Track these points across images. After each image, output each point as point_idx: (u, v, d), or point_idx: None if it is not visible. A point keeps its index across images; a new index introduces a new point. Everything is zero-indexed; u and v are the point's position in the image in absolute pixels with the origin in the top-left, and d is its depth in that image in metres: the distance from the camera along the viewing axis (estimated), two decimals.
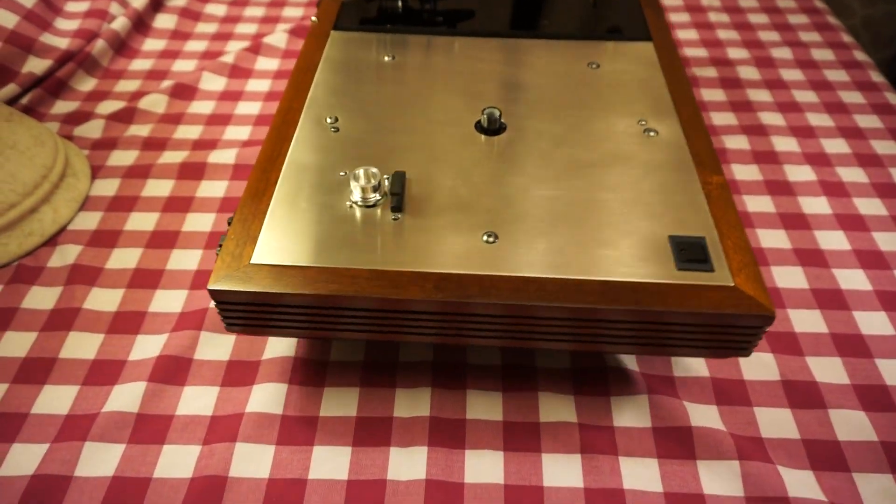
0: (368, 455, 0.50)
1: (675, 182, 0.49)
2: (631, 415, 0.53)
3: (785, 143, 0.78)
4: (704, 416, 0.52)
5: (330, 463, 0.50)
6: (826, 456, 0.51)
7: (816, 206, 0.70)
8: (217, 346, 0.57)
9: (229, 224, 0.46)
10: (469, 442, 0.51)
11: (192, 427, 0.52)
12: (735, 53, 0.94)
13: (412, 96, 0.56)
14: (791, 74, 0.90)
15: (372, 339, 0.46)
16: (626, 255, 0.44)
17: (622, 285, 0.42)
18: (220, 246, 0.46)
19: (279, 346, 0.57)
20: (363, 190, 0.46)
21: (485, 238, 0.45)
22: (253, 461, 0.50)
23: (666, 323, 0.43)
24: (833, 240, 0.67)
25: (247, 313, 0.44)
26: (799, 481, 0.49)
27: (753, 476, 0.49)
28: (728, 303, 0.41)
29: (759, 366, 0.56)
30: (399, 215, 0.46)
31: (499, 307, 0.42)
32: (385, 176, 0.48)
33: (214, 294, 0.43)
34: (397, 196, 0.46)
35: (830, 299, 0.62)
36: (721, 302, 0.41)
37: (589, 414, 0.53)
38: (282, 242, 0.44)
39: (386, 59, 0.60)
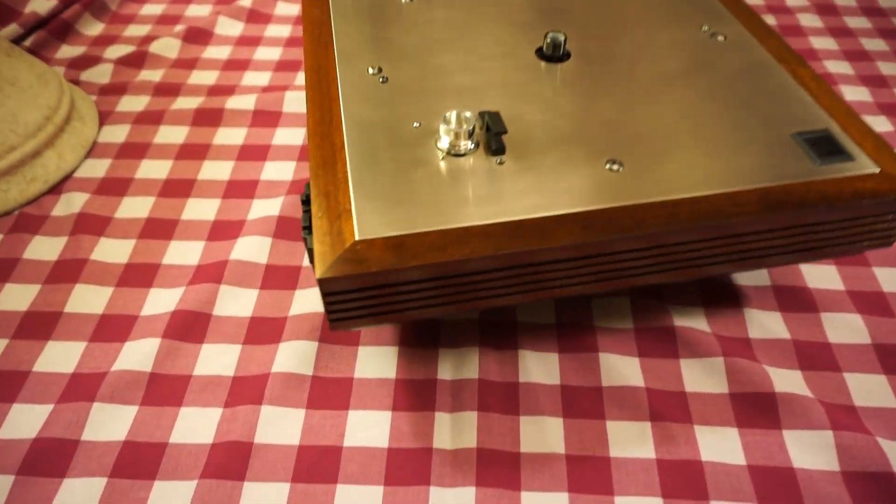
0: (410, 421, 0.45)
1: (767, 81, 0.46)
2: (705, 379, 0.47)
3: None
4: (788, 381, 0.46)
5: (368, 429, 0.44)
6: None
7: None
8: (239, 300, 0.52)
9: (305, 202, 0.40)
10: (524, 407, 0.45)
11: (211, 388, 0.46)
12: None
13: (452, 34, 0.50)
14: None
15: (509, 303, 0.40)
16: (760, 160, 0.40)
17: (777, 190, 0.39)
18: (306, 228, 0.40)
19: (307, 302, 0.51)
20: (455, 136, 0.40)
21: (608, 167, 0.40)
22: (281, 426, 0.44)
23: (820, 223, 0.40)
24: None
25: (362, 301, 0.37)
26: None
27: (850, 448, 0.43)
28: (884, 187, 0.39)
29: (845, 328, 0.50)
30: (503, 158, 0.41)
31: (651, 237, 0.37)
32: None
33: (327, 284, 0.36)
34: (498, 136, 0.40)
35: None
36: (877, 189, 0.39)
37: (657, 378, 0.47)
38: (382, 210, 0.38)
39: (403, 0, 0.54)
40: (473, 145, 0.41)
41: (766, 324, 0.50)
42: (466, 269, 0.37)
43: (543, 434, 0.44)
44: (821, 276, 0.53)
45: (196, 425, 0.44)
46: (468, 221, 0.37)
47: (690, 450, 0.43)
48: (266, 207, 0.58)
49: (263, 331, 0.50)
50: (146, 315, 0.51)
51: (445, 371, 0.47)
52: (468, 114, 0.41)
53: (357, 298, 0.37)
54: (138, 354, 0.48)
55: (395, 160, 0.41)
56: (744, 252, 0.41)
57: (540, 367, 0.47)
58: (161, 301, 0.52)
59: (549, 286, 0.39)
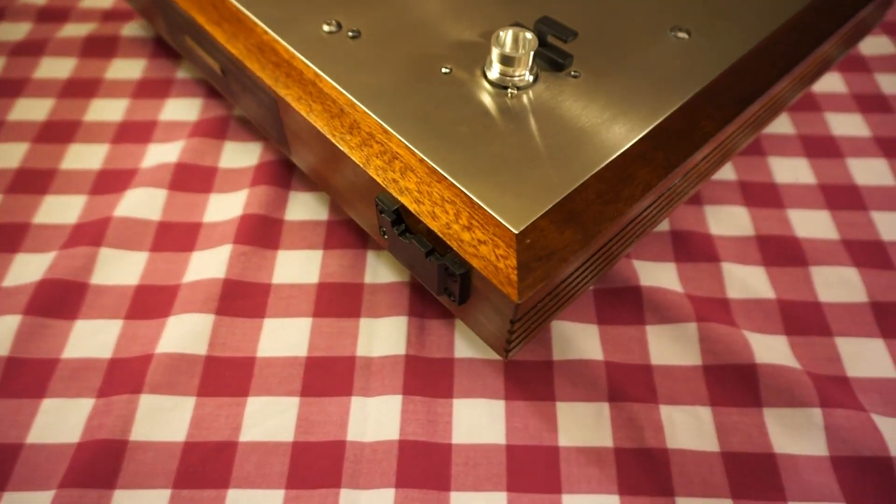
0: (322, 409, 0.37)
1: None
2: (675, 350, 0.39)
3: None
4: (772, 349, 0.39)
5: (270, 419, 0.37)
6: None
7: None
8: (123, 266, 0.43)
9: (381, 208, 0.31)
10: (457, 390, 0.38)
11: (83, 374, 0.38)
12: None
13: None
14: None
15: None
16: None
17: None
18: (385, 231, 0.32)
19: (205, 265, 0.43)
20: (515, 63, 0.34)
21: (677, 35, 0.38)
22: (164, 419, 0.37)
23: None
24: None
25: (541, 308, 0.31)
26: None
27: (840, 429, 0.36)
28: None
29: (838, 284, 0.43)
30: (577, 71, 0.36)
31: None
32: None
33: (525, 305, 0.28)
34: (559, 49, 0.36)
35: None
36: None
37: (618, 349, 0.40)
38: (503, 187, 0.30)
39: None
40: (532, 78, 0.35)
41: (747, 281, 0.43)
42: (640, 210, 0.32)
43: (480, 421, 0.37)
44: (811, 222, 0.46)
45: (60, 421, 0.37)
46: (608, 152, 0.32)
47: (655, 435, 0.36)
48: (163, 153, 0.49)
49: (151, 303, 0.42)
50: (7, 287, 0.42)
51: (364, 346, 0.39)
52: (528, 35, 0.33)
53: (538, 308, 0.30)
54: None
55: (461, 121, 0.33)
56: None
57: (480, 341, 0.40)
58: (27, 269, 0.43)
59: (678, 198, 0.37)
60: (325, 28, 0.37)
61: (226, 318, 0.40)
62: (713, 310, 0.41)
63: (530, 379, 0.38)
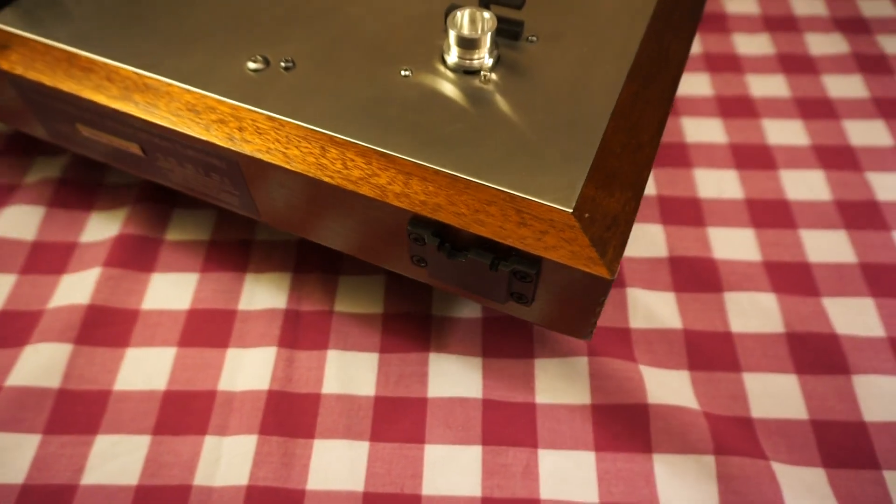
0: (173, 448, 0.35)
1: None
2: (562, 387, 0.36)
3: None
4: (669, 387, 0.36)
5: (115, 459, 0.34)
6: (847, 448, 0.34)
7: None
8: None
9: (415, 236, 0.28)
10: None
11: None
12: None
13: None
14: None
15: None
16: None
17: None
18: (424, 259, 0.30)
19: (74, 289, 0.40)
20: (476, 45, 0.31)
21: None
22: (2, 459, 0.34)
23: None
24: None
25: None
26: (804, 486, 0.32)
27: (735, 479, 0.33)
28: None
29: (753, 312, 0.39)
30: (533, 36, 0.34)
31: None
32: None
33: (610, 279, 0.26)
34: (507, 17, 0.33)
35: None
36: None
37: (500, 385, 0.36)
38: (527, 170, 0.28)
39: None
40: (493, 60, 0.32)
41: (653, 309, 0.39)
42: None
43: (339, 466, 0.34)
44: (732, 242, 0.42)
45: None
46: (606, 104, 0.31)
47: (528, 485, 0.33)
48: (46, 168, 0.47)
49: (12, 329, 0.39)
50: None
51: (227, 380, 0.37)
52: (486, 13, 0.31)
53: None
54: None
55: (450, 121, 0.30)
56: None
57: (350, 376, 0.37)
58: None
59: None
60: (252, 65, 0.32)
61: (85, 347, 0.38)
62: (609, 341, 0.37)
63: (400, 418, 0.35)
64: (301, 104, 0.31)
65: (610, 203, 0.27)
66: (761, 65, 0.53)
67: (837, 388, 0.36)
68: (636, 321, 0.39)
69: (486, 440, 0.34)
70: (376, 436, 0.35)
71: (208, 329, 0.39)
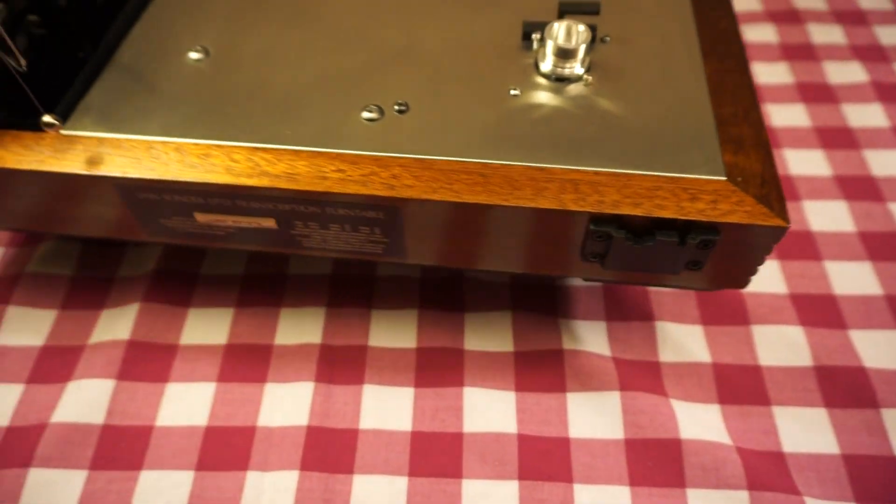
0: (218, 484, 0.35)
1: None
2: (595, 421, 0.37)
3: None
4: (701, 421, 0.36)
5: (163, 493, 0.35)
6: (879, 483, 0.35)
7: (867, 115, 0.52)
8: (28, 325, 0.42)
9: (599, 234, 0.30)
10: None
11: None
12: None
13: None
14: None
15: None
16: None
17: None
18: (603, 254, 0.31)
19: (115, 324, 0.41)
20: (572, 56, 0.33)
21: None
22: (50, 496, 0.35)
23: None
24: None
25: None
26: None
27: None
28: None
29: (781, 345, 0.40)
30: (605, 36, 0.36)
31: None
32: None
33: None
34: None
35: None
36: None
37: (534, 420, 0.37)
38: (671, 153, 0.31)
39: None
40: (584, 69, 0.34)
41: (682, 342, 0.40)
42: None
43: (380, 501, 0.34)
44: (758, 274, 0.43)
45: None
46: (698, 80, 0.34)
47: None
48: None
49: (55, 364, 0.40)
50: None
51: (266, 415, 0.38)
52: (580, 26, 0.33)
53: None
54: None
55: (581, 126, 0.32)
56: None
57: (387, 407, 0.38)
58: None
59: None
60: (367, 115, 0.32)
61: (127, 382, 0.39)
62: (640, 375, 0.38)
63: (437, 453, 0.36)
64: (436, 140, 0.31)
65: (751, 164, 0.30)
66: (780, 94, 0.54)
67: (867, 421, 0.37)
68: (665, 355, 0.39)
69: (522, 475, 0.35)
70: (414, 470, 0.35)
71: (246, 364, 0.40)
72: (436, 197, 0.30)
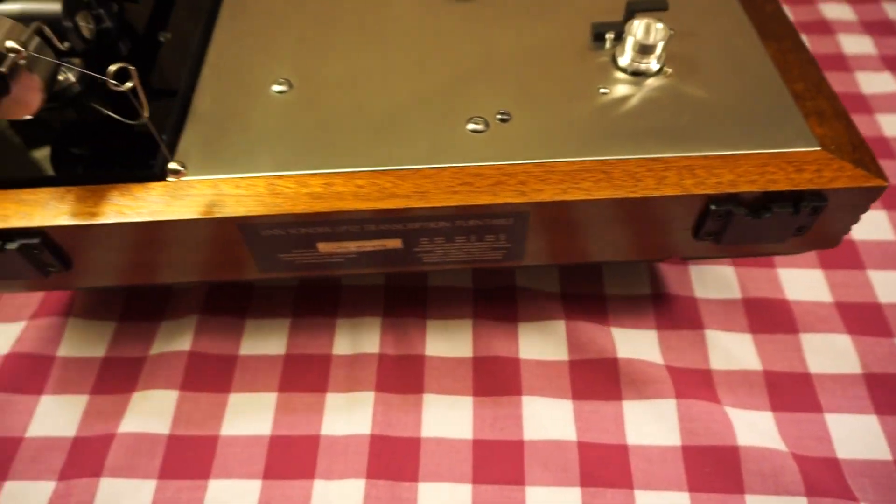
0: (284, 489, 0.36)
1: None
2: (652, 428, 0.38)
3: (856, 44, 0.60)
4: (755, 428, 0.37)
5: (232, 502, 0.36)
6: None
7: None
8: (89, 336, 0.43)
9: (720, 213, 0.32)
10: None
11: (46, 454, 0.38)
12: None
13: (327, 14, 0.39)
14: None
15: None
16: None
17: None
18: (720, 230, 0.33)
19: (174, 335, 0.42)
20: (650, 52, 0.34)
21: None
22: None
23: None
24: None
25: None
26: None
27: None
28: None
29: (830, 352, 0.41)
30: (671, 29, 0.37)
31: None
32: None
33: None
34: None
35: None
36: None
37: (591, 427, 0.38)
38: (762, 130, 0.33)
39: None
40: (660, 63, 0.35)
41: (731, 350, 0.41)
42: None
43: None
44: (802, 283, 0.44)
45: None
46: (763, 60, 0.36)
47: None
48: None
49: (118, 375, 0.41)
50: None
51: (329, 424, 0.38)
52: (658, 24, 0.34)
53: None
54: None
55: (675, 114, 0.34)
56: None
57: (448, 416, 0.38)
58: None
59: None
60: (473, 126, 0.33)
61: (190, 393, 0.40)
62: (693, 383, 0.39)
63: (499, 460, 0.37)
64: (547, 144, 0.33)
65: (837, 133, 0.32)
66: None
67: None
68: (716, 362, 0.40)
69: (584, 481, 0.36)
70: (478, 478, 0.36)
71: (306, 375, 0.40)
72: (567, 197, 0.31)
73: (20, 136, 0.33)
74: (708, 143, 0.32)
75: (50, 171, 0.31)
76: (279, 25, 0.38)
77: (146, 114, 0.29)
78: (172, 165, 0.29)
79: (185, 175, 0.30)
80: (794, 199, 0.31)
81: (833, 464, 0.36)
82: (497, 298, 0.43)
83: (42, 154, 0.32)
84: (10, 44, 0.26)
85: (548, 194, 0.31)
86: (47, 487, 0.37)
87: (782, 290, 0.43)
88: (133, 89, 0.28)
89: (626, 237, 0.34)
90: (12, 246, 0.30)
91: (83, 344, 0.42)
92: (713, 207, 0.31)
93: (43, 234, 0.31)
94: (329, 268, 0.35)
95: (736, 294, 0.43)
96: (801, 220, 0.32)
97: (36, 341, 0.42)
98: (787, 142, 0.32)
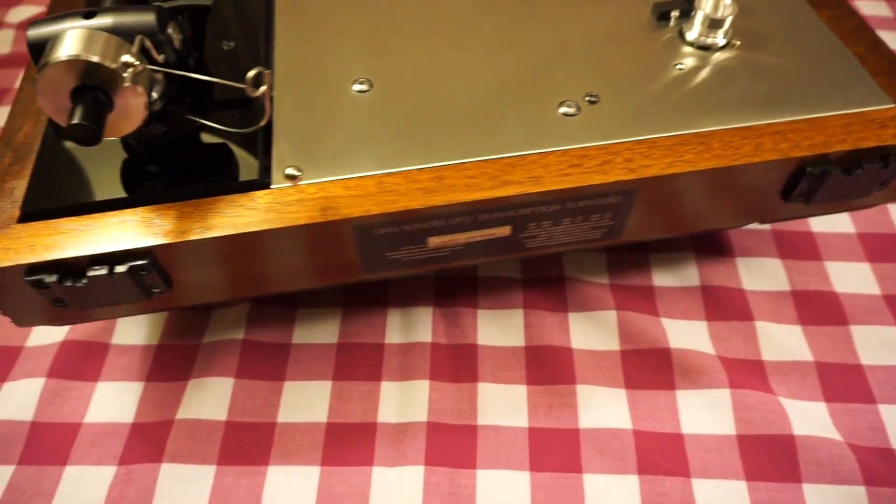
0: (343, 478, 0.36)
1: None
2: (708, 419, 0.38)
3: None
4: (810, 418, 0.37)
5: (292, 488, 0.36)
6: None
7: None
8: (143, 324, 0.43)
9: (814, 174, 0.33)
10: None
11: (105, 440, 0.38)
12: None
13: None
14: None
15: None
16: None
17: None
18: (809, 191, 0.34)
19: (226, 324, 0.42)
20: (719, 26, 0.36)
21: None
22: (183, 490, 0.36)
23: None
24: None
25: None
26: None
27: None
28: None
29: (880, 344, 0.41)
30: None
31: None
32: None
33: None
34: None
35: None
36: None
37: (647, 416, 0.38)
38: (833, 93, 0.34)
39: None
40: (725, 41, 0.36)
41: (782, 341, 0.41)
42: None
43: (505, 494, 0.35)
44: (851, 276, 0.44)
45: (82, 490, 0.36)
46: (825, 33, 0.37)
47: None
48: None
49: (172, 363, 0.41)
50: (30, 347, 0.42)
51: (385, 412, 0.39)
52: (728, 0, 0.35)
53: None
54: (18, 399, 0.39)
55: (754, 82, 0.35)
56: None
57: (502, 404, 0.39)
58: (49, 330, 0.43)
59: None
60: (564, 110, 0.33)
61: (245, 381, 0.40)
62: (746, 373, 0.39)
63: (555, 448, 0.37)
64: (641, 121, 0.33)
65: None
66: None
67: None
68: (768, 353, 0.41)
69: (642, 469, 0.36)
70: (535, 465, 0.37)
71: (359, 364, 0.41)
72: (674, 170, 0.32)
73: (106, 158, 0.32)
74: (791, 109, 0.34)
75: (148, 189, 0.31)
76: (341, 27, 0.38)
77: (263, 121, 0.29)
78: (289, 171, 0.29)
79: (301, 179, 0.30)
80: (882, 154, 0.33)
81: (889, 454, 0.37)
82: (546, 288, 0.44)
83: (135, 174, 0.31)
84: (126, 58, 0.25)
85: (656, 168, 0.32)
86: (108, 472, 0.37)
87: (830, 282, 0.44)
88: (263, 94, 0.27)
89: (720, 205, 0.35)
90: (121, 269, 0.29)
91: (136, 332, 0.43)
92: (809, 168, 0.32)
93: (151, 255, 0.30)
94: (434, 263, 0.35)
95: (784, 286, 0.43)
96: (888, 173, 0.33)
97: (90, 329, 0.42)
98: (862, 101, 0.34)
